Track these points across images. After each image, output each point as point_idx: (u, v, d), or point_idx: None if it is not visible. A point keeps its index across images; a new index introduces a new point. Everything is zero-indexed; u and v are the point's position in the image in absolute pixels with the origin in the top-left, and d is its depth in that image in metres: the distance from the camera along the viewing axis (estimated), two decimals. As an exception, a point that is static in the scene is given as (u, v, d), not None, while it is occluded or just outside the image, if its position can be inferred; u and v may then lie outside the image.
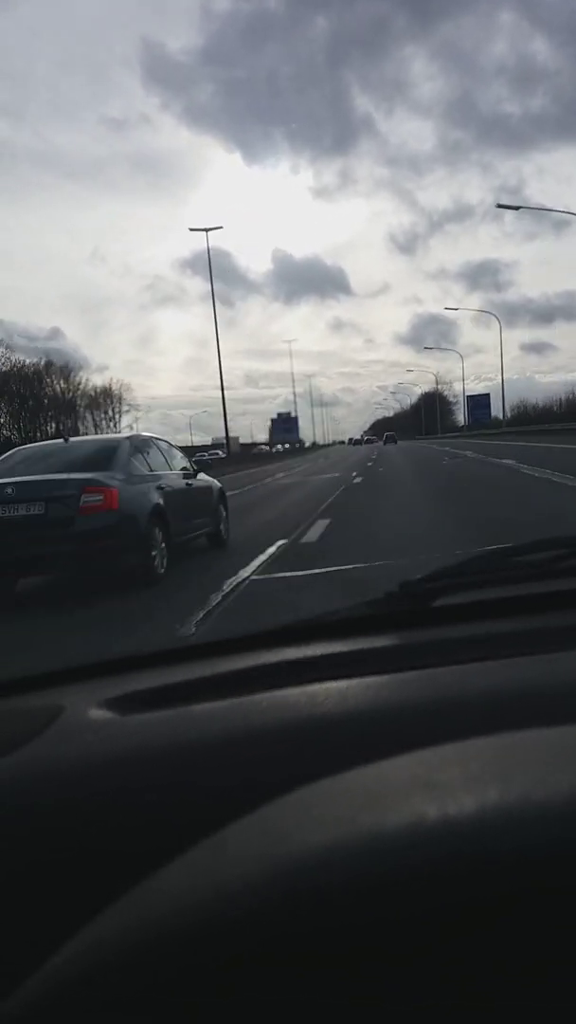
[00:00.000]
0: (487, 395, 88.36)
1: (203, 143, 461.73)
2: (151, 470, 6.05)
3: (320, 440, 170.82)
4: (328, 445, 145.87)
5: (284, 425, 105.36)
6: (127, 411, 75.95)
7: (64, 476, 5.31)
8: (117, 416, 75.27)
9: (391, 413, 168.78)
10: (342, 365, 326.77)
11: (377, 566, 5.10)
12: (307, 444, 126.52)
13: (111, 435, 6.81)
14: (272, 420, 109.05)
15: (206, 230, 47.90)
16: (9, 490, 5.18)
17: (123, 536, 5.21)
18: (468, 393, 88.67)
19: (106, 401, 73.66)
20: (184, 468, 6.89)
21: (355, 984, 0.27)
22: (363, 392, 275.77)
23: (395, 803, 0.33)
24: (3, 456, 6.25)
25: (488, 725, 0.40)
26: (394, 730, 0.52)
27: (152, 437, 6.76)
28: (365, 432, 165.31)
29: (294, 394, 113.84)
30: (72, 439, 6.79)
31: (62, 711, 0.64)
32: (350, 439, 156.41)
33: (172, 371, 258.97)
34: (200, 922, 0.29)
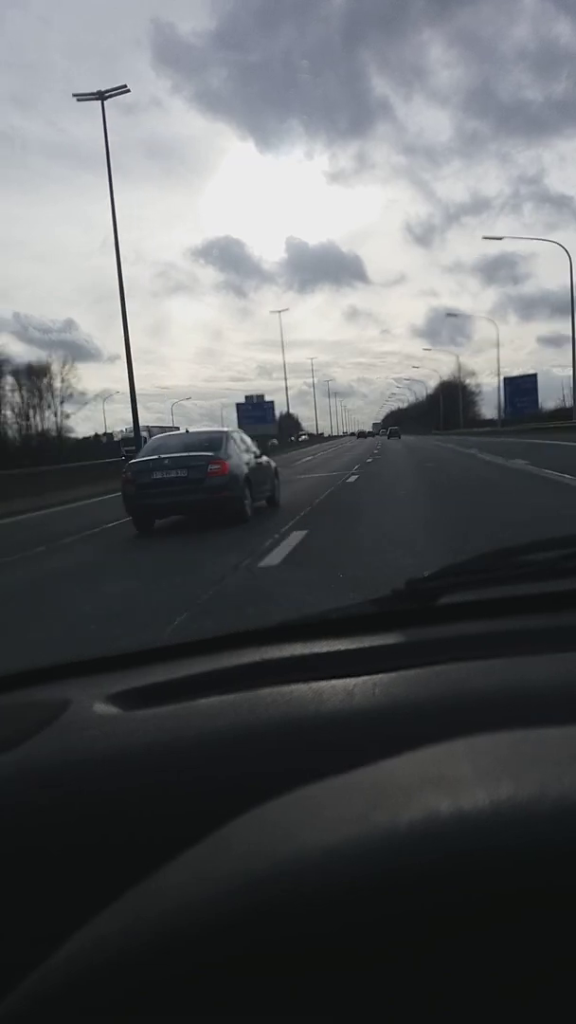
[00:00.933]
0: (533, 376, 67.92)
1: (215, 130, 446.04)
2: (239, 452, 9.37)
3: (330, 431, 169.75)
4: (335, 437, 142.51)
5: (254, 412, 71.36)
6: (69, 396, 63.49)
7: (199, 453, 8.71)
8: (58, 404, 61.30)
9: (405, 404, 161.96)
10: (358, 355, 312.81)
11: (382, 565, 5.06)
12: (303, 436, 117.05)
13: (215, 429, 10.33)
14: (238, 405, 73.45)
15: (100, 96, 26.26)
16: (166, 461, 8.62)
17: (231, 491, 8.57)
18: (492, 382, 74.64)
19: (42, 386, 60.78)
20: (254, 452, 10.14)
21: (365, 983, 0.27)
22: (379, 383, 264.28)
23: (406, 799, 0.32)
24: (149, 440, 9.74)
25: (495, 723, 0.41)
26: (401, 727, 0.52)
27: (235, 431, 10.13)
28: (376, 424, 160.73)
29: (284, 370, 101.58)
30: (191, 430, 10.26)
31: (68, 705, 0.65)
32: (359, 432, 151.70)
33: (185, 361, 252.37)
34: (205, 920, 0.29)
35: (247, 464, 9.32)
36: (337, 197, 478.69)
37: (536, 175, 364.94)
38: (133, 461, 9.23)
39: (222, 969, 0.28)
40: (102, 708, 0.64)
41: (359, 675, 0.62)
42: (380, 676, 0.61)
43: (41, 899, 0.47)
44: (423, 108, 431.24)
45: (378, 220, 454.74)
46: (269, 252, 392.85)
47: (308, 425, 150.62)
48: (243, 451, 9.59)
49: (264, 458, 10.53)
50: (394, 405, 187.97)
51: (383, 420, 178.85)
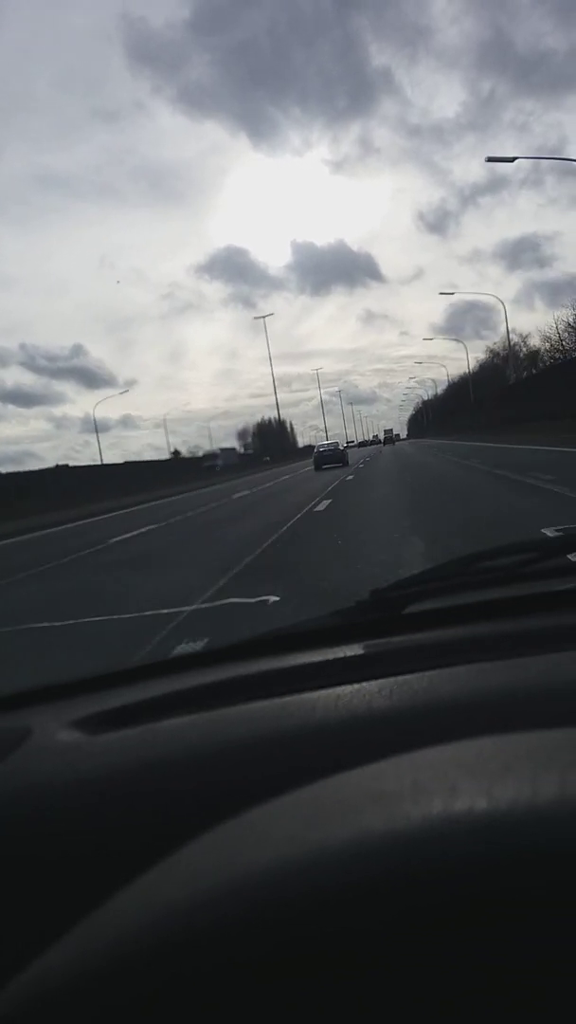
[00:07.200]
0: None
1: (204, 130, 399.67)
2: (343, 446, 36.84)
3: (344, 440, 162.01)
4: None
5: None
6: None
7: (335, 447, 36.22)
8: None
9: (427, 396, 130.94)
10: (376, 361, 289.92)
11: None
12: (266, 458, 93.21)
13: (335, 441, 37.09)
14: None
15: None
16: (327, 449, 35.83)
17: (344, 456, 35.35)
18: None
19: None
20: (344, 446, 36.93)
21: (313, 1000, 0.27)
22: (400, 388, 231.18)
23: (342, 817, 0.33)
24: (317, 446, 36.74)
25: (453, 732, 0.42)
26: (359, 741, 0.53)
27: (340, 441, 37.53)
28: (387, 431, 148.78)
29: (273, 380, 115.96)
30: (332, 440, 37.00)
31: (29, 734, 0.65)
32: (360, 441, 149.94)
33: (205, 384, 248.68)
34: (148, 945, 0.29)
35: (345, 449, 35.80)
36: (342, 189, 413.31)
37: (558, 144, 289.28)
38: (316, 449, 35.39)
39: (168, 995, 0.28)
40: (65, 735, 0.64)
41: (322, 688, 0.63)
42: (343, 688, 0.62)
43: (4, 925, 0.47)
44: (429, 76, 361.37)
45: (388, 211, 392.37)
46: (275, 258, 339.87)
47: (336, 435, 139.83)
48: (343, 446, 36.40)
49: (345, 448, 36.71)
50: (411, 407, 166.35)
51: (408, 423, 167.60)
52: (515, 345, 50.28)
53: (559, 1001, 0.26)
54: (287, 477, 29.95)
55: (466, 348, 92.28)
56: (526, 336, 63.62)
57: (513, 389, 45.05)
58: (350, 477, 19.06)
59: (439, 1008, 0.27)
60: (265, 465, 67.24)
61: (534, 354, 55.50)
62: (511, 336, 68.26)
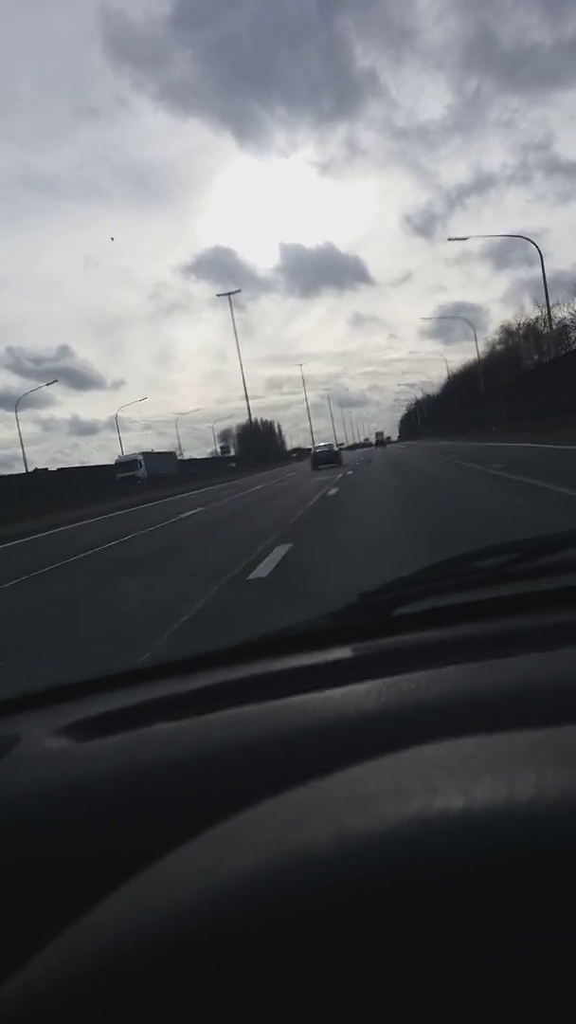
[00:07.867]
0: None
1: (188, 128, 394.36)
2: (336, 447, 39.34)
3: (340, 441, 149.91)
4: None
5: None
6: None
7: (331, 447, 38.71)
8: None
9: (419, 396, 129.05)
10: (366, 365, 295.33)
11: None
12: (232, 464, 78.64)
13: (332, 443, 39.78)
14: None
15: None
16: (323, 450, 38.03)
17: (338, 457, 37.03)
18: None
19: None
20: (338, 447, 39.66)
21: (306, 1001, 0.27)
22: (392, 390, 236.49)
23: (326, 819, 0.33)
24: (316, 445, 39.58)
25: (440, 732, 0.41)
26: (351, 743, 0.53)
27: (335, 443, 40.22)
28: (378, 433, 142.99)
29: (242, 370, 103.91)
30: (326, 442, 39.53)
31: (17, 740, 0.64)
32: (353, 444, 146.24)
33: (195, 386, 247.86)
34: (132, 952, 0.29)
35: (338, 449, 38.48)
36: (329, 191, 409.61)
37: (544, 140, 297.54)
38: (313, 450, 37.65)
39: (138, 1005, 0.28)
40: (53, 741, 0.64)
41: (313, 691, 0.63)
42: (333, 691, 0.62)
43: None
44: (414, 76, 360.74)
45: (375, 214, 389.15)
46: (263, 259, 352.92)
47: (326, 437, 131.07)
48: (337, 446, 38.55)
49: (338, 449, 39.53)
50: (403, 407, 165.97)
51: (399, 424, 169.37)
52: (538, 320, 42.12)
53: (542, 1001, 0.26)
54: (194, 513, 16.09)
55: (472, 327, 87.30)
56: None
57: (528, 376, 38.81)
58: (300, 517, 10.18)
59: (429, 1007, 0.26)
60: (230, 473, 53.89)
61: (561, 331, 46.91)
62: (518, 327, 56.87)
